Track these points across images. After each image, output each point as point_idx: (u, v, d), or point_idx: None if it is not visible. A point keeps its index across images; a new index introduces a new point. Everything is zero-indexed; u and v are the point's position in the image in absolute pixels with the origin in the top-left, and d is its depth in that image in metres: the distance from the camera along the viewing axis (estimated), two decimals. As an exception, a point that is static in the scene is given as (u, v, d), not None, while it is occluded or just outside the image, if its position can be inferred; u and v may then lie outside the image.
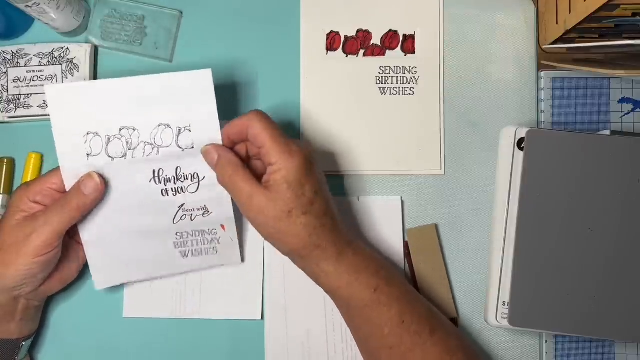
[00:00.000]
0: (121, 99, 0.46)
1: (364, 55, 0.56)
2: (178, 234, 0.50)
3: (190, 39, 0.56)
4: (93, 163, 0.46)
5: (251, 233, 0.55)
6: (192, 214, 0.50)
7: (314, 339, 0.53)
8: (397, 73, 0.56)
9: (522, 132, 0.51)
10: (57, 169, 0.47)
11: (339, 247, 0.46)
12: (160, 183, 0.48)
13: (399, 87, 0.55)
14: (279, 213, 0.44)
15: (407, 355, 0.45)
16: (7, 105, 0.55)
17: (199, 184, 0.49)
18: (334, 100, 0.56)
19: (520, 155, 0.51)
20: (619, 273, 0.49)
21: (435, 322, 0.47)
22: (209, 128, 0.47)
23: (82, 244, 0.50)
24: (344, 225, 0.48)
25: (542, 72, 0.55)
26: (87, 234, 0.48)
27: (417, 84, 0.55)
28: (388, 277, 0.47)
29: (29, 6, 0.49)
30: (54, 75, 0.55)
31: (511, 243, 0.50)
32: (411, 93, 0.55)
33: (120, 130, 0.46)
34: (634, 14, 0.45)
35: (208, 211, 0.50)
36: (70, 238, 0.50)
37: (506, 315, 0.50)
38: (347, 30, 0.56)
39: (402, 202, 0.55)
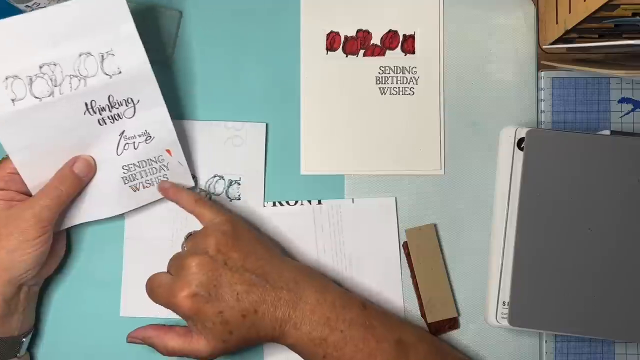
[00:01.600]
0: (33, 35, 0.44)
1: (364, 55, 0.56)
2: (124, 167, 0.50)
3: (190, 39, 0.56)
4: (19, 108, 0.45)
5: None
6: (134, 142, 0.49)
7: None
8: (397, 73, 0.55)
9: (522, 132, 0.51)
10: (7, 156, 0.47)
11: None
12: (95, 113, 0.47)
13: (399, 87, 0.55)
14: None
15: None
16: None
17: (134, 108, 0.48)
18: (334, 100, 0.55)
19: (520, 155, 0.51)
20: (618, 273, 0.49)
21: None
22: (132, 50, 0.45)
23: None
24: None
25: (542, 72, 0.56)
26: (31, 183, 0.48)
27: (417, 83, 0.55)
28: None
29: (29, 6, 0.49)
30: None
31: (511, 243, 0.50)
32: (411, 93, 0.55)
33: (41, 67, 0.44)
34: (634, 14, 0.45)
35: (150, 136, 0.49)
36: None
37: (506, 315, 0.50)
38: (347, 30, 0.56)
39: (396, 203, 0.55)
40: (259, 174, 0.55)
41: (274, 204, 0.55)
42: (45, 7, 0.49)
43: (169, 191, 0.51)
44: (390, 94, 0.55)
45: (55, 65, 0.45)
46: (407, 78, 0.55)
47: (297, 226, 0.55)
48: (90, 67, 0.45)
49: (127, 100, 0.47)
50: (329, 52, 0.56)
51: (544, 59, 0.56)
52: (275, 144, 0.56)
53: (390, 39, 0.56)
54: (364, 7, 0.56)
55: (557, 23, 0.52)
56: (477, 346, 0.54)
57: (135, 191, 0.51)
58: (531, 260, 0.49)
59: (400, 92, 0.55)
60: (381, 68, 0.56)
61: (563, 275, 0.49)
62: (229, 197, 0.54)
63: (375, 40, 0.56)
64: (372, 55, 0.56)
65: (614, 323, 0.49)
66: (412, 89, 0.55)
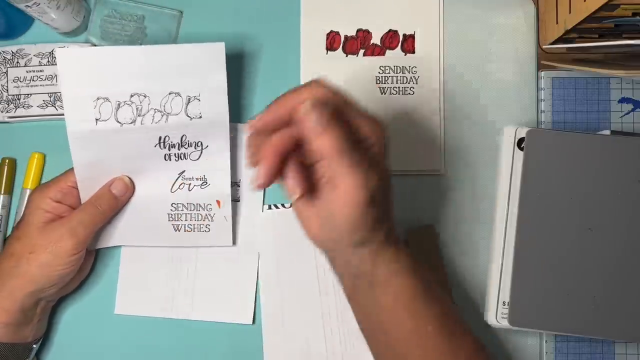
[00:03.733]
0: (134, 65, 0.46)
1: (364, 55, 0.56)
2: (174, 205, 0.51)
3: (190, 39, 0.56)
4: (101, 128, 0.47)
5: (244, 236, 0.54)
6: (190, 184, 0.50)
7: (312, 345, 0.53)
8: (397, 73, 0.55)
9: (522, 132, 0.51)
10: (72, 169, 0.48)
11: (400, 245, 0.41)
12: (165, 148, 0.49)
13: (399, 87, 0.55)
14: (379, 183, 0.36)
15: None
16: (7, 105, 0.55)
17: (201, 152, 0.50)
18: None
19: (520, 155, 0.51)
20: (619, 273, 0.49)
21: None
22: (217, 99, 0.48)
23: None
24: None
25: (542, 72, 0.55)
26: (87, 194, 0.49)
27: (417, 83, 0.55)
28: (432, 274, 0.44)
29: (29, 6, 0.49)
30: (53, 76, 0.55)
31: (511, 243, 0.50)
32: (411, 93, 0.55)
33: (132, 96, 0.47)
34: (634, 14, 0.45)
35: (206, 182, 0.50)
36: None
37: (506, 315, 0.50)
38: (347, 30, 0.56)
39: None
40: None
41: (270, 207, 0.55)
42: (45, 7, 0.49)
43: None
44: (390, 94, 0.55)
45: (145, 97, 0.47)
46: (407, 78, 0.55)
47: (294, 228, 0.54)
48: (176, 106, 0.48)
49: (198, 143, 0.49)
50: (329, 52, 0.56)
51: (544, 59, 0.56)
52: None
53: (390, 39, 0.56)
54: (364, 7, 0.56)
55: (557, 23, 0.52)
56: (477, 346, 0.54)
57: (176, 231, 0.52)
58: (531, 260, 0.49)
59: (401, 92, 0.55)
60: (381, 68, 0.55)
61: (563, 275, 0.49)
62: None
63: (376, 40, 0.56)
64: (372, 55, 0.56)
65: (614, 323, 0.49)
66: (412, 88, 0.55)
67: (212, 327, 0.54)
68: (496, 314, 0.51)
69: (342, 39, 0.56)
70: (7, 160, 0.55)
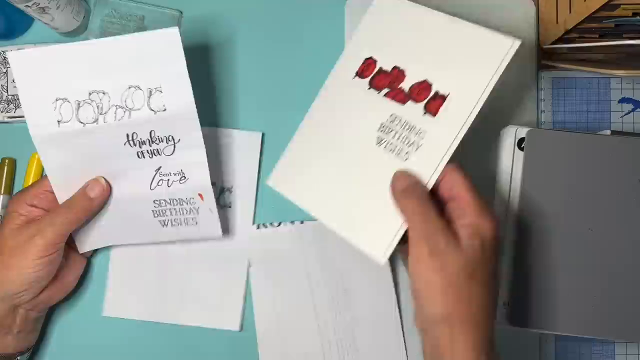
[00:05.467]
0: (88, 62, 0.45)
1: (386, 95, 0.48)
2: (156, 201, 0.50)
3: (190, 38, 0.56)
4: (64, 130, 0.46)
5: (235, 243, 0.54)
6: (168, 180, 0.49)
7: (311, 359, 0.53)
8: (404, 129, 0.47)
9: (522, 132, 0.51)
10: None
11: (488, 337, 0.41)
12: (135, 145, 0.47)
13: (397, 146, 0.47)
14: (461, 268, 0.39)
15: None
16: (7, 105, 0.55)
17: (174, 146, 0.48)
18: (332, 128, 0.49)
19: (520, 155, 0.51)
20: (619, 273, 0.49)
21: None
22: (179, 89, 0.46)
23: (79, 252, 0.50)
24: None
25: (542, 72, 0.55)
26: (64, 198, 0.48)
27: (416, 151, 0.46)
28: None
29: (28, 6, 0.49)
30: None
31: (511, 243, 0.50)
32: (405, 158, 0.46)
33: (90, 94, 0.45)
34: (634, 14, 0.45)
35: (185, 177, 0.49)
36: (68, 246, 0.50)
37: (506, 315, 0.50)
38: (385, 61, 0.49)
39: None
40: (251, 186, 0.55)
41: (258, 227, 0.55)
42: (44, 7, 0.49)
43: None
44: (385, 148, 0.47)
45: (104, 94, 0.46)
46: (410, 140, 0.46)
47: (284, 247, 0.54)
48: (137, 101, 0.46)
49: (169, 137, 0.48)
50: (356, 77, 0.50)
51: (545, 59, 0.56)
52: (270, 154, 0.56)
53: (420, 90, 0.47)
54: (414, 45, 0.48)
55: (557, 23, 0.52)
56: (477, 346, 0.54)
57: (163, 226, 0.51)
58: (531, 260, 0.49)
59: (396, 152, 0.47)
60: (392, 116, 0.47)
61: (563, 276, 0.49)
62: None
63: (406, 85, 0.48)
64: (394, 99, 0.48)
65: (614, 323, 0.49)
66: (408, 153, 0.46)
67: (200, 332, 0.54)
68: (496, 314, 0.51)
69: (376, 70, 0.49)
70: (7, 160, 0.55)
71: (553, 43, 0.54)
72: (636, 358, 0.53)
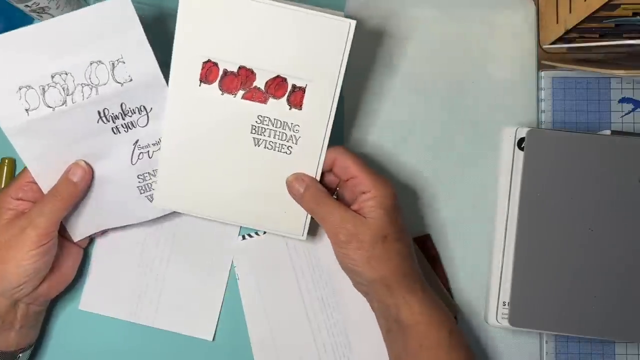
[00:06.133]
0: (44, 44, 0.44)
1: (243, 97, 0.46)
2: (140, 176, 0.49)
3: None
4: (33, 117, 0.45)
5: (215, 253, 0.54)
6: (148, 151, 0.49)
7: None
8: (276, 127, 0.47)
9: (522, 132, 0.51)
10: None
11: (422, 280, 0.46)
12: (109, 122, 0.47)
13: (276, 143, 0.47)
14: (374, 237, 0.44)
15: None
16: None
17: (147, 116, 0.48)
18: (202, 139, 0.48)
19: (520, 155, 0.51)
20: (619, 273, 0.49)
21: None
22: (142, 57, 0.45)
23: (75, 243, 0.50)
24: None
25: (542, 72, 0.55)
26: (47, 187, 0.48)
27: (296, 144, 0.47)
28: (454, 320, 0.47)
29: (28, 6, 0.49)
30: (53, 75, 0.54)
31: (511, 243, 0.50)
32: (288, 152, 0.47)
33: (53, 77, 0.45)
34: (634, 14, 0.45)
35: None
36: (63, 237, 0.50)
37: (506, 315, 0.50)
38: (228, 63, 0.46)
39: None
40: None
41: (244, 237, 0.54)
42: (44, 7, 0.49)
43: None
44: (265, 147, 0.48)
45: (67, 74, 0.45)
46: (286, 135, 0.47)
47: (270, 255, 0.54)
48: (102, 75, 0.45)
49: (140, 108, 0.47)
50: (202, 84, 0.46)
51: (544, 59, 0.55)
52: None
53: (277, 86, 0.46)
54: (254, 40, 0.45)
55: (557, 23, 0.52)
56: (477, 346, 0.54)
57: (151, 201, 0.50)
58: (531, 260, 0.49)
59: (277, 149, 0.48)
60: (259, 117, 0.47)
61: (563, 275, 0.49)
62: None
63: (259, 83, 0.46)
64: (252, 99, 0.46)
65: (614, 323, 0.49)
66: (289, 147, 0.47)
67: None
68: (496, 314, 0.51)
69: (221, 73, 0.46)
70: (7, 160, 0.55)
71: (553, 43, 0.53)
72: (636, 358, 0.53)
